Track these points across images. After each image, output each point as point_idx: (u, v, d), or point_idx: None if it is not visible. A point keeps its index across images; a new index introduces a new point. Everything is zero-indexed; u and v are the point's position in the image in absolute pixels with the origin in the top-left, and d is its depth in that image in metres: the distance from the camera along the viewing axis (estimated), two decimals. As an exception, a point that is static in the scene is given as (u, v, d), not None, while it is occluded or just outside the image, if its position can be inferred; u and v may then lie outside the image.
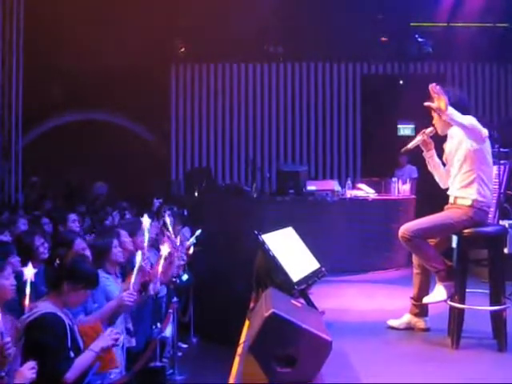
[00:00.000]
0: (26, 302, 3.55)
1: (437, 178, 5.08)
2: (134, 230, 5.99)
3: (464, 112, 4.53)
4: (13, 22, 10.94)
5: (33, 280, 3.58)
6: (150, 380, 5.49)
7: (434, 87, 4.29)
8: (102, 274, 4.87)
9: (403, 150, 5.13)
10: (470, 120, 4.46)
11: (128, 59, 11.25)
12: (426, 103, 4.48)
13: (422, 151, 5.04)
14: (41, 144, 12.62)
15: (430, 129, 4.89)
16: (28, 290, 3.49)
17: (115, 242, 5.26)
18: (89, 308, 4.49)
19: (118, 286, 5.10)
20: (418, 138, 4.96)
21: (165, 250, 5.28)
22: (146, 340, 5.59)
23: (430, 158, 5.00)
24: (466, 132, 4.49)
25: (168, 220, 6.67)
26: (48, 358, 3.57)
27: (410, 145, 5.04)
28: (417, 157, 5.63)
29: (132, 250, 5.54)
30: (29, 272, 3.54)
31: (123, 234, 5.63)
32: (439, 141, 5.04)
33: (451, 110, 4.35)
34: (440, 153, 5.01)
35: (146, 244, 5.28)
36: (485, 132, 4.55)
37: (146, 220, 5.35)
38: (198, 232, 7.53)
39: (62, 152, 12.25)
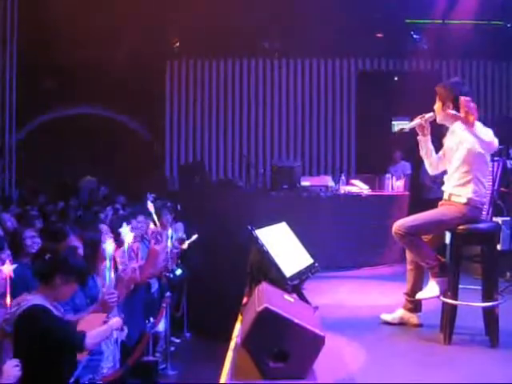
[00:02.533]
0: (8, 300, 3.52)
1: (427, 164, 5.07)
2: (117, 226, 5.96)
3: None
4: (7, 19, 10.90)
5: (12, 276, 3.56)
6: (142, 374, 5.49)
7: (468, 102, 4.22)
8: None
9: (398, 130, 5.12)
10: (490, 136, 4.41)
11: (123, 55, 11.21)
12: (451, 111, 4.45)
13: (418, 149, 5.04)
14: (34, 140, 12.57)
15: (430, 114, 4.87)
16: (8, 287, 3.46)
17: (102, 237, 5.23)
18: (78, 304, 4.47)
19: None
20: (416, 122, 4.94)
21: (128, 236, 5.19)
22: (139, 333, 5.59)
23: (424, 143, 4.98)
24: (482, 145, 4.44)
25: (152, 208, 6.64)
26: (58, 334, 3.61)
27: (407, 126, 5.03)
28: (410, 153, 5.64)
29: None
30: (7, 269, 3.52)
31: (105, 229, 5.58)
32: (438, 130, 5.04)
33: (478, 126, 4.32)
34: (436, 141, 5.02)
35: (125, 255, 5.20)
36: (496, 143, 4.51)
37: (125, 230, 5.24)
38: (195, 237, 7.50)
39: (55, 147, 12.22)
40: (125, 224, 5.26)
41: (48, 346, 3.59)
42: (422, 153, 5.02)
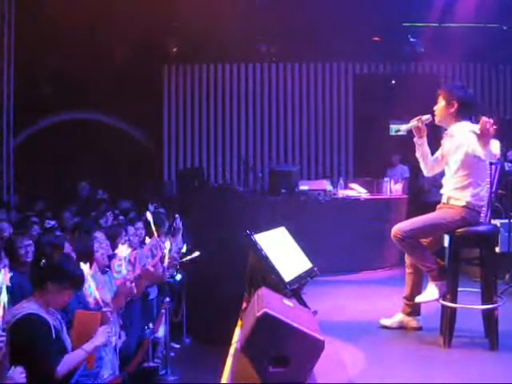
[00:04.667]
0: (0, 310, 3.48)
1: (422, 165, 5.09)
2: (116, 233, 5.95)
3: (472, 111, 4.62)
4: (4, 23, 10.89)
5: (9, 285, 3.54)
6: (142, 380, 5.48)
7: (487, 123, 4.16)
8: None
9: (395, 130, 5.15)
10: (497, 146, 4.43)
11: (120, 59, 11.22)
12: (475, 130, 4.39)
13: (414, 150, 5.06)
14: (32, 145, 12.57)
15: (427, 116, 4.89)
16: (3, 296, 3.43)
17: (97, 245, 5.18)
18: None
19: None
20: (413, 123, 4.95)
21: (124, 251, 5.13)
22: (138, 340, 5.58)
23: (421, 145, 4.99)
24: (488, 156, 4.42)
25: (150, 217, 6.64)
26: (37, 354, 3.54)
27: (404, 128, 5.04)
28: (408, 156, 5.65)
29: (109, 253, 5.43)
30: (3, 277, 3.51)
31: (100, 236, 5.54)
32: (434, 132, 5.06)
33: (492, 144, 4.31)
34: (434, 144, 5.03)
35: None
36: (498, 152, 4.52)
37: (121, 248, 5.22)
38: (196, 254, 7.47)
39: (53, 153, 12.22)
40: (120, 245, 5.23)
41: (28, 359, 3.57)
42: (418, 154, 5.04)
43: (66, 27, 10.39)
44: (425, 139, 4.98)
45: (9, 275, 3.54)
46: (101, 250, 5.17)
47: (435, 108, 4.84)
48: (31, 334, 3.58)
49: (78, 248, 5.09)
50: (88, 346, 3.80)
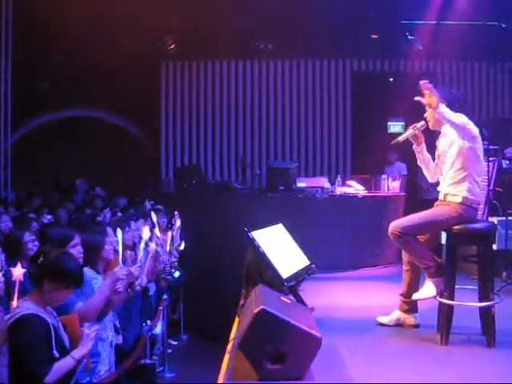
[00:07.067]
0: (14, 302, 3.48)
1: (425, 172, 5.12)
2: (120, 228, 5.93)
3: (459, 110, 4.60)
4: (2, 19, 10.87)
5: (22, 280, 3.52)
6: (139, 377, 5.47)
7: (425, 83, 4.34)
8: (92, 274, 4.81)
9: (393, 142, 5.17)
10: (460, 118, 4.51)
11: (117, 57, 11.19)
12: (417, 98, 4.52)
13: (412, 146, 5.07)
14: (30, 141, 12.55)
15: (422, 123, 4.93)
16: (16, 291, 3.43)
17: (107, 239, 5.19)
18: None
19: None
20: (409, 132, 5.00)
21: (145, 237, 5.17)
22: (136, 337, 5.58)
23: (420, 152, 5.03)
24: (456, 129, 4.54)
25: (154, 218, 6.64)
26: (28, 359, 3.49)
27: (401, 138, 5.08)
28: (406, 154, 5.66)
29: (117, 248, 5.43)
30: (17, 272, 3.49)
31: (110, 232, 5.55)
32: (431, 137, 5.07)
33: (442, 108, 4.40)
34: (432, 149, 5.04)
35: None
36: (475, 130, 4.59)
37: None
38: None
39: (51, 149, 12.20)
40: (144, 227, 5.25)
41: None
42: (419, 162, 5.08)
43: (65, 24, 10.38)
44: (423, 146, 5.04)
45: (23, 270, 3.53)
46: (108, 245, 5.16)
47: (426, 115, 4.87)
48: (25, 337, 3.52)
49: (88, 241, 5.04)
50: (76, 354, 3.71)
